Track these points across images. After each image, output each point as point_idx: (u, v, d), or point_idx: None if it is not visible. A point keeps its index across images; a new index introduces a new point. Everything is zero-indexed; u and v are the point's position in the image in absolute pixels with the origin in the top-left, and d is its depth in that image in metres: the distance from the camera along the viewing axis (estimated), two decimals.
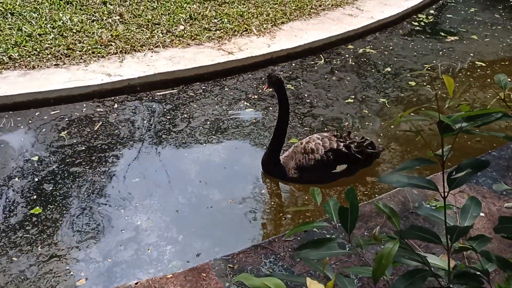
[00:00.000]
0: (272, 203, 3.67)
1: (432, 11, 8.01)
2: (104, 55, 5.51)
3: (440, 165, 1.40)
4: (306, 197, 3.68)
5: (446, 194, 1.39)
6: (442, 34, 7.11)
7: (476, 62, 6.22)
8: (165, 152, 4.20)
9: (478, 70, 6.03)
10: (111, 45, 5.70)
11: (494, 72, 6.00)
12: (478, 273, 1.33)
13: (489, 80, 5.79)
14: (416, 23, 7.44)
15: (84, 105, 4.86)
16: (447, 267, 1.39)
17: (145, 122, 4.63)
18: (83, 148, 4.17)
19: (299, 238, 2.80)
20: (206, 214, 3.49)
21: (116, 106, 4.88)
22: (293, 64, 5.94)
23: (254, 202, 3.63)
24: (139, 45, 5.77)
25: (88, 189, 3.69)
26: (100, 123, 4.56)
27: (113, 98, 5.00)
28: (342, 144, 3.85)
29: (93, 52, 5.53)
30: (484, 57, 6.40)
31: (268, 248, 2.66)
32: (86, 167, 3.91)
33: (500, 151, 3.65)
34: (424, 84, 5.63)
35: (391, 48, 6.53)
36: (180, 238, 3.22)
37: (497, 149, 3.73)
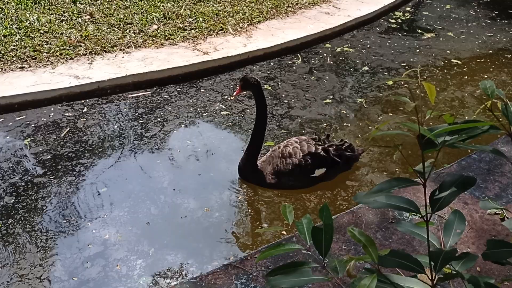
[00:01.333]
0: (250, 210, 3.53)
1: (408, 8, 7.97)
2: (73, 57, 5.27)
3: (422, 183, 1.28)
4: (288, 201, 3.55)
5: (428, 217, 1.27)
6: (419, 31, 7.07)
7: (452, 60, 6.19)
8: (137, 159, 4.01)
9: (455, 68, 5.99)
10: (80, 46, 5.46)
11: (470, 69, 5.98)
12: None
13: (466, 77, 5.76)
14: (393, 21, 7.39)
15: (52, 109, 4.62)
16: None
17: (115, 127, 4.43)
18: (49, 156, 3.95)
19: (273, 256, 2.66)
20: (180, 224, 3.32)
21: (85, 110, 4.67)
22: (272, 64, 5.80)
23: (231, 210, 3.48)
24: (110, 45, 5.54)
25: (52, 201, 3.47)
26: (68, 129, 4.34)
27: (82, 101, 4.78)
28: (320, 147, 3.73)
29: (61, 54, 5.28)
30: (461, 54, 6.37)
31: (239, 267, 2.51)
32: (51, 177, 3.69)
33: (481, 154, 3.58)
34: (402, 83, 5.56)
35: (368, 46, 6.45)
36: (151, 252, 3.05)
37: (477, 151, 3.66)
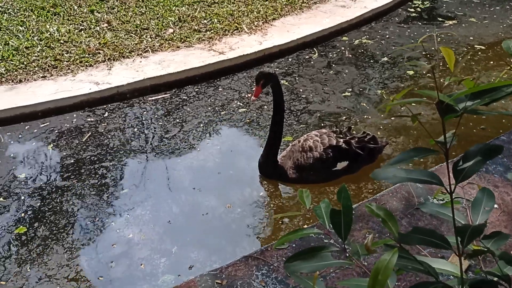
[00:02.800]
0: (272, 205, 3.48)
1: None
2: (92, 64, 5.34)
3: (443, 155, 1.22)
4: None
5: (452, 188, 1.20)
6: (440, 19, 6.90)
7: (476, 46, 6.00)
8: (157, 160, 4.02)
9: (479, 53, 5.81)
10: (99, 53, 5.54)
11: (495, 54, 5.79)
12: (497, 279, 1.14)
13: (491, 62, 5.57)
14: (412, 10, 7.23)
15: (75, 115, 4.69)
16: (460, 274, 1.20)
17: (135, 129, 4.46)
18: (72, 161, 4.00)
19: (294, 245, 2.60)
20: (202, 221, 3.31)
21: (106, 114, 4.72)
22: (289, 60, 5.76)
23: (252, 206, 3.44)
24: (127, 51, 5.60)
25: (77, 203, 3.51)
26: (89, 133, 4.39)
27: (104, 106, 4.84)
28: (342, 140, 3.66)
29: (80, 62, 5.36)
30: (484, 40, 6.18)
31: (260, 258, 2.46)
32: (74, 181, 3.74)
33: (510, 135, 3.43)
34: (423, 72, 5.41)
35: (387, 37, 6.33)
36: (174, 250, 3.04)
37: (506, 133, 3.51)
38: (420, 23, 6.76)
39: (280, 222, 3.31)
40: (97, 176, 3.81)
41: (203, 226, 3.26)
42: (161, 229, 3.23)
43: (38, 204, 3.51)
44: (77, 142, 4.26)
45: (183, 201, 3.50)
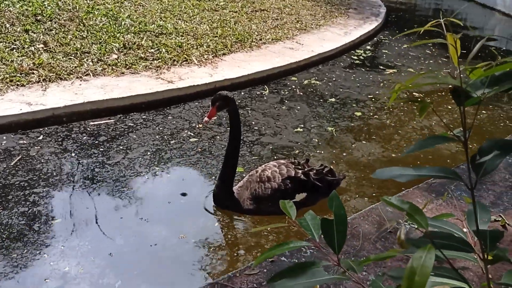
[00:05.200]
0: (229, 236, 3.19)
1: (368, 47, 8.22)
2: (24, 84, 4.86)
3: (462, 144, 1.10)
4: (264, 230, 3.25)
5: (474, 184, 1.07)
6: (381, 67, 7.24)
7: (415, 93, 6.32)
8: (98, 187, 3.60)
9: (419, 100, 6.09)
10: (33, 73, 5.07)
11: (432, 101, 6.10)
12: None
13: (430, 108, 5.85)
14: (355, 57, 7.55)
15: (5, 137, 4.16)
16: (486, 281, 1.06)
17: (73, 154, 4.02)
18: None
19: (265, 271, 2.34)
20: (150, 253, 2.93)
21: (41, 137, 4.24)
22: (242, 93, 5.65)
23: (205, 238, 3.13)
24: (65, 73, 5.18)
25: (2, 234, 2.98)
26: (20, 157, 3.88)
27: (40, 129, 4.35)
28: (300, 171, 3.52)
29: (11, 81, 4.86)
30: (422, 88, 6.53)
31: (228, 285, 2.17)
32: (0, 209, 3.21)
33: None
34: (371, 114, 5.53)
35: (334, 79, 6.49)
36: (117, 285, 2.62)
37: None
38: (363, 70, 7.04)
39: (236, 254, 3.02)
40: (27, 203, 3.31)
41: (152, 258, 2.89)
42: (102, 261, 2.80)
43: None
44: (5, 166, 3.73)
45: (128, 231, 3.11)
